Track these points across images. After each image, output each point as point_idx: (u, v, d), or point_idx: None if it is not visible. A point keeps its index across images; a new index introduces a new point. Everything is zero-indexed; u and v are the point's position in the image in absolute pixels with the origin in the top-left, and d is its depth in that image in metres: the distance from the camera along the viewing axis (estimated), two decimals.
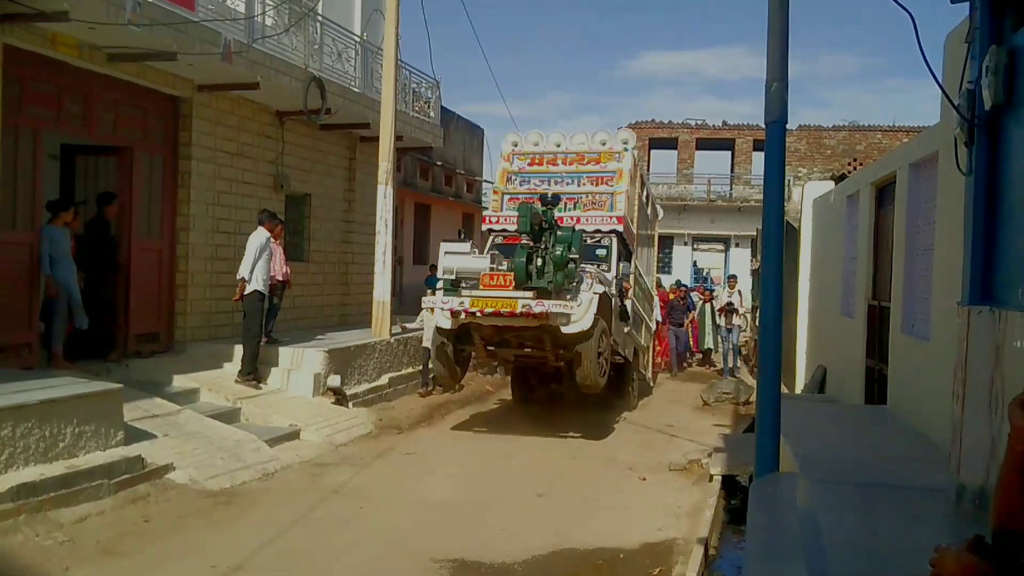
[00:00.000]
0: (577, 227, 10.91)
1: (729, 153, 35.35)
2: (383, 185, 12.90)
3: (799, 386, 14.12)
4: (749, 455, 7.13)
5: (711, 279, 31.87)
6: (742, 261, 30.90)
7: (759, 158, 28.86)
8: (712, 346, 18.98)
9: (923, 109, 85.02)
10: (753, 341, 17.89)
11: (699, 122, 35.51)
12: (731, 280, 19.05)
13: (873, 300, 9.99)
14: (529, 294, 9.52)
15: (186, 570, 5.88)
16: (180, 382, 10.24)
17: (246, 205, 12.44)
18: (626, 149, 12.51)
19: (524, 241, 10.00)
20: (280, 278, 11.72)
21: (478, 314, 9.77)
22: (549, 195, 10.39)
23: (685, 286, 19.83)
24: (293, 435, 9.65)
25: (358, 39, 14.79)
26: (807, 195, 14.71)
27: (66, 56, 9.44)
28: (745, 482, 8.27)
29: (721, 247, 34.37)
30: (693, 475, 9.00)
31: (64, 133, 10.47)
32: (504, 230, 11.89)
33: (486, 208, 17.36)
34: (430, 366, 12.20)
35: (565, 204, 11.58)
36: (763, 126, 5.87)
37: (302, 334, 12.87)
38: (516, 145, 12.86)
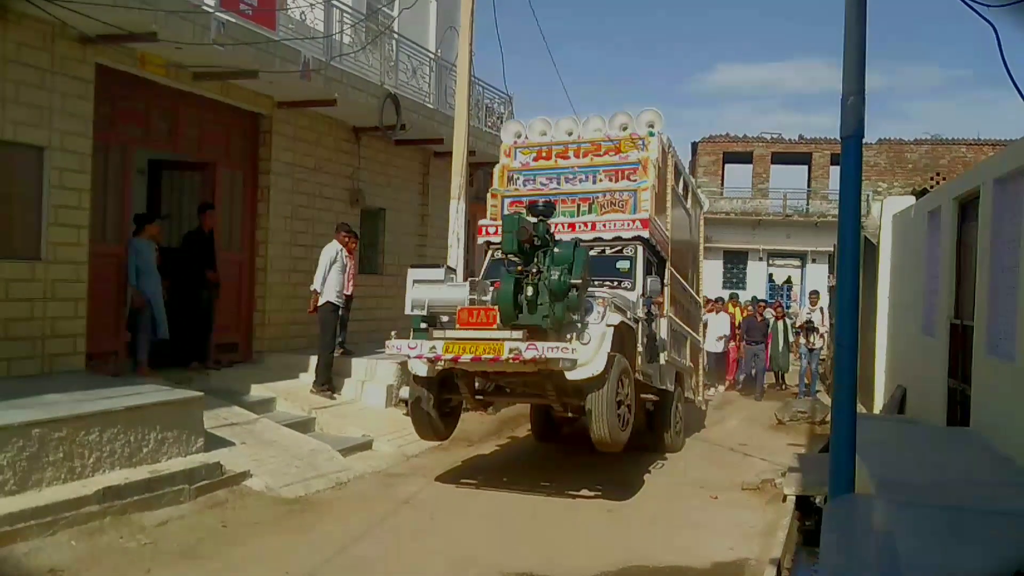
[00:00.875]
0: (591, 236, 9.48)
1: (806, 167, 34.79)
2: (456, 200, 13.02)
3: (878, 406, 13.75)
4: (824, 475, 6.96)
5: (789, 294, 31.25)
6: (819, 277, 30.28)
7: (836, 172, 28.40)
8: (783, 367, 17.91)
9: (1009, 122, 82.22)
10: (830, 359, 17.36)
11: (775, 136, 35.05)
12: (812, 296, 17.74)
13: (955, 319, 9.69)
14: (518, 334, 7.47)
15: (261, 575, 6.01)
16: (257, 391, 10.49)
17: (323, 219, 12.72)
18: (652, 134, 10.13)
19: (510, 264, 7.92)
20: (347, 292, 11.79)
21: (453, 361, 7.79)
22: (541, 203, 8.27)
23: (764, 302, 18.98)
24: (366, 445, 9.79)
25: (432, 56, 15.02)
26: (887, 210, 14.34)
27: (154, 75, 9.83)
28: (820, 503, 8.09)
29: (797, 263, 33.75)
30: (766, 495, 8.84)
31: (151, 149, 10.90)
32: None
33: None
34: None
35: (579, 206, 9.86)
36: (840, 140, 5.78)
37: (376, 346, 13.04)
38: (520, 136, 10.68)
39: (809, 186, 34.27)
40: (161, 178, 11.55)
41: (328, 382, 10.98)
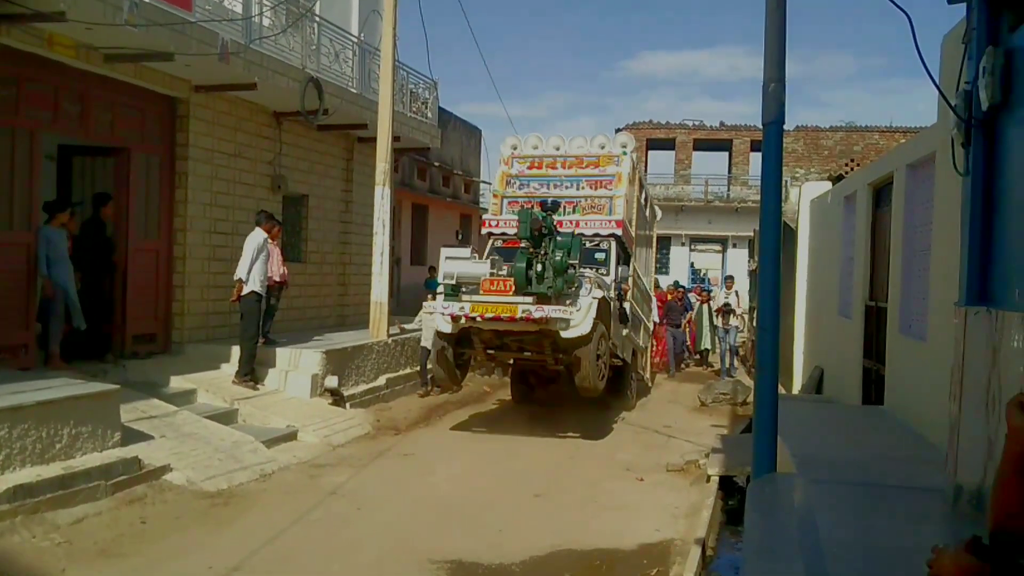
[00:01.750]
0: (576, 231, 11.29)
1: (727, 154, 35.40)
2: (380, 186, 12.89)
3: (797, 387, 14.13)
4: (747, 456, 7.14)
5: (708, 280, 31.90)
6: (739, 262, 30.93)
7: (757, 159, 28.96)
8: (709, 347, 18.94)
9: (921, 110, 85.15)
10: (751, 342, 17.85)
11: (697, 123, 35.57)
12: (728, 281, 19.10)
13: (870, 301, 10.00)
14: (529, 299, 9.68)
15: (184, 571, 5.87)
16: (177, 383, 10.23)
17: (243, 206, 12.43)
18: (624, 153, 12.63)
19: (524, 246, 10.09)
20: (277, 279, 11.69)
21: (478, 319, 9.89)
22: (549, 201, 10.57)
23: (683, 287, 19.77)
24: (290, 436, 9.64)
25: (355, 40, 14.78)
26: (804, 196, 14.72)
27: (63, 57, 9.43)
28: (743, 483, 8.28)
29: (718, 248, 34.41)
30: (691, 476, 9.01)
31: (61, 134, 10.46)
32: (504, 234, 12.01)
33: (484, 209, 17.83)
34: (429, 367, 12.24)
35: (564, 208, 11.72)
36: (760, 127, 5.87)
37: (300, 335, 12.86)
38: (515, 148, 12.95)
39: (730, 172, 34.92)
40: (72, 164, 11.11)
41: (251, 372, 10.77)
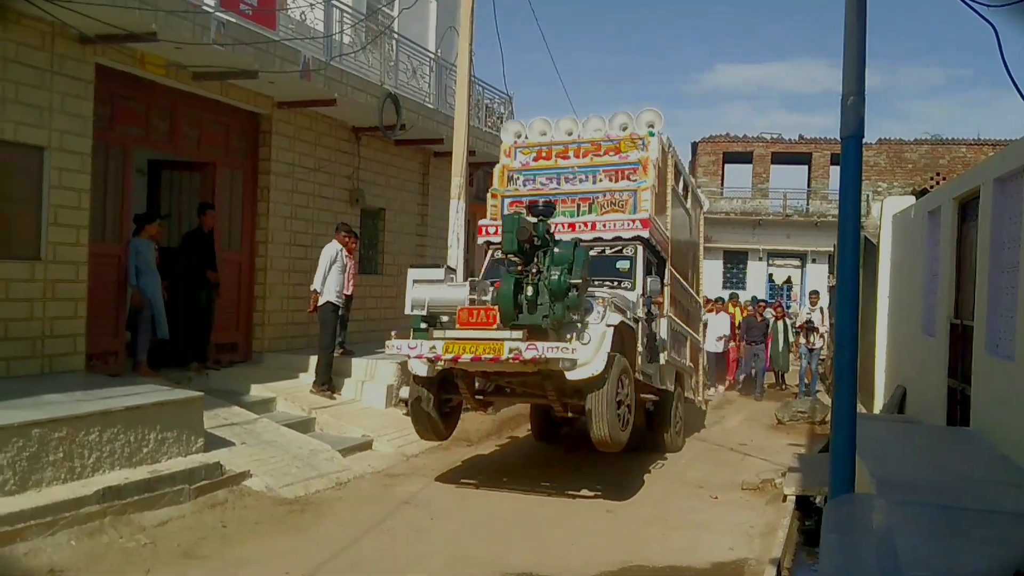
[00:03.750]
0: (592, 235, 9.52)
1: (805, 167, 34.79)
2: (455, 200, 13.02)
3: (878, 406, 13.75)
4: (825, 475, 6.97)
5: (789, 294, 31.23)
6: (819, 277, 30.29)
7: (837, 172, 28.36)
8: (784, 367, 17.76)
9: (1009, 121, 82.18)
10: (830, 359, 17.29)
11: (775, 136, 35.05)
12: (812, 296, 17.57)
13: (955, 318, 9.69)
14: (518, 334, 7.50)
15: (261, 575, 6.01)
16: (257, 391, 10.49)
17: (322, 219, 12.72)
18: (652, 133, 10.12)
19: (511, 264, 7.94)
20: (348, 292, 11.76)
21: (453, 361, 7.81)
22: (541, 203, 8.30)
23: (764, 302, 18.84)
24: (366, 445, 9.79)
25: (432, 56, 15.02)
26: (886, 210, 14.34)
27: (153, 75, 9.83)
28: (820, 503, 8.10)
29: (797, 263, 33.74)
30: (766, 495, 8.84)
31: (151, 149, 10.89)
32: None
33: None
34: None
35: (579, 206, 9.85)
36: (840, 140, 5.77)
37: (376, 346, 13.05)
38: (520, 136, 10.64)
39: (809, 186, 34.28)
40: (160, 178, 11.55)
41: (328, 382, 10.98)
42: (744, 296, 20.54)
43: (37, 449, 6.41)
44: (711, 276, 32.04)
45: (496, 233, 9.49)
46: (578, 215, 9.77)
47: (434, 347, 7.68)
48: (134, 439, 7.20)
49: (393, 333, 8.10)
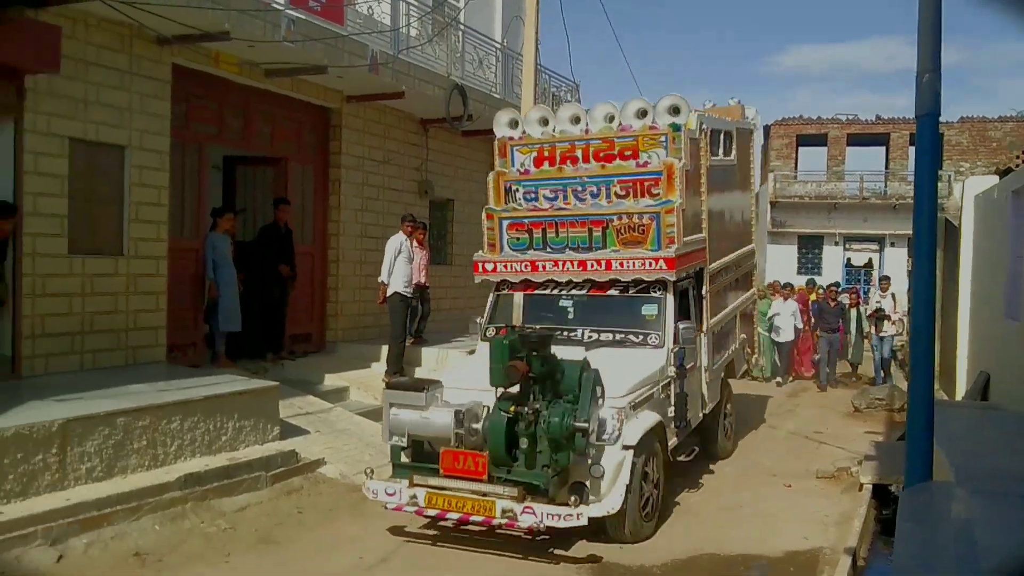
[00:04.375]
0: (608, 275, 7.88)
1: (883, 149, 33.84)
2: None
3: (960, 393, 13.35)
4: (903, 463, 6.82)
5: (868, 278, 30.35)
6: (898, 261, 29.45)
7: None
8: (857, 358, 16.75)
9: None
10: (906, 346, 16.64)
11: (850, 117, 34.14)
12: (883, 282, 16.76)
13: None
14: (513, 490, 6.14)
15: (336, 560, 6.15)
16: (331, 381, 10.70)
17: (392, 211, 12.87)
18: (676, 127, 8.06)
19: (501, 397, 6.42)
20: (418, 281, 11.65)
21: (438, 518, 6.54)
22: (533, 337, 6.41)
23: (835, 285, 17.68)
24: None
25: (498, 46, 15.04)
26: (968, 191, 13.85)
27: (227, 73, 10.07)
28: (898, 492, 7.91)
29: (875, 247, 32.85)
30: (842, 483, 8.68)
31: (225, 145, 11.17)
32: (505, 281, 8.39)
33: None
34: None
35: (591, 230, 8.05)
36: (915, 119, 5.62)
37: (446, 336, 13.18)
38: (515, 127, 8.69)
39: (887, 167, 33.34)
40: (235, 174, 11.84)
41: (400, 371, 11.13)
42: (821, 282, 19.78)
43: (122, 437, 6.67)
44: (785, 261, 31.47)
45: (495, 270, 8.35)
46: (590, 243, 8.06)
47: (415, 497, 6.31)
48: (213, 427, 7.43)
49: (368, 472, 6.68)
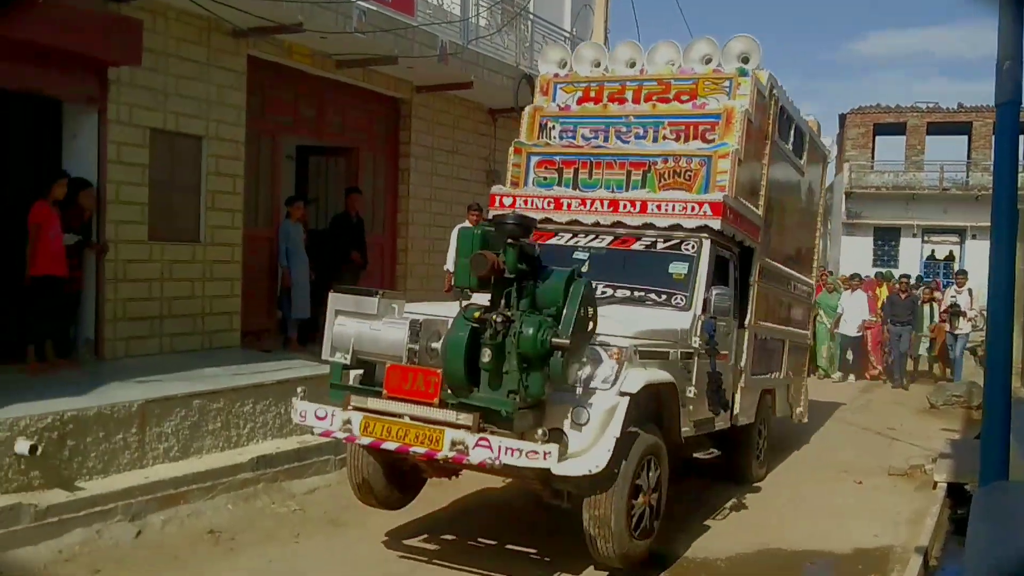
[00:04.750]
0: (642, 218, 6.81)
1: (965, 138, 32.75)
2: None
3: None
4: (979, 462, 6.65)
5: (948, 272, 29.39)
6: (979, 254, 28.50)
7: None
8: (924, 353, 16.10)
9: None
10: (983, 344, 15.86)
11: (931, 105, 33.12)
12: (959, 277, 15.95)
13: None
14: (468, 418, 4.95)
15: (404, 543, 6.25)
16: None
17: (460, 200, 12.96)
18: (744, 73, 7.20)
19: (467, 306, 5.18)
20: None
21: (372, 447, 5.43)
22: (509, 219, 5.19)
23: (905, 277, 16.87)
24: None
25: (568, 35, 14.99)
26: None
27: (300, 64, 10.27)
28: (973, 491, 7.70)
29: (955, 239, 31.85)
30: (915, 481, 8.48)
31: (298, 136, 11.40)
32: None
33: None
34: None
35: (629, 173, 7.07)
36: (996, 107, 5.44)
37: None
38: (564, 67, 7.88)
39: (969, 157, 32.26)
40: (308, 163, 12.08)
41: None
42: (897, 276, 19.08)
43: (198, 419, 6.89)
44: (859, 254, 30.75)
45: (513, 205, 7.22)
46: (627, 187, 7.03)
47: (348, 422, 5.20)
48: (284, 411, 7.61)
49: (299, 390, 5.70)
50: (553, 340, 4.83)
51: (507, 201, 7.28)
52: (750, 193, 7.46)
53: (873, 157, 33.84)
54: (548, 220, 7.10)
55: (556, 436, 5.03)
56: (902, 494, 8.08)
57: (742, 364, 7.52)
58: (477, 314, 4.96)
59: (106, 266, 8.23)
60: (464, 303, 5.17)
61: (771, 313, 8.46)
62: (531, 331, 4.83)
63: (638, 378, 5.35)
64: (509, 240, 5.02)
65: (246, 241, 9.72)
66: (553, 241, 6.99)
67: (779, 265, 8.64)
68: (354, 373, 5.70)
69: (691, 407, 6.24)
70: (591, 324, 5.09)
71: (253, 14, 8.64)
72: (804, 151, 9.21)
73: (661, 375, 5.69)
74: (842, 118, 34.48)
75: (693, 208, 6.67)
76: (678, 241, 6.74)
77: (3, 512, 5.45)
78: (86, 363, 8.00)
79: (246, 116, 9.61)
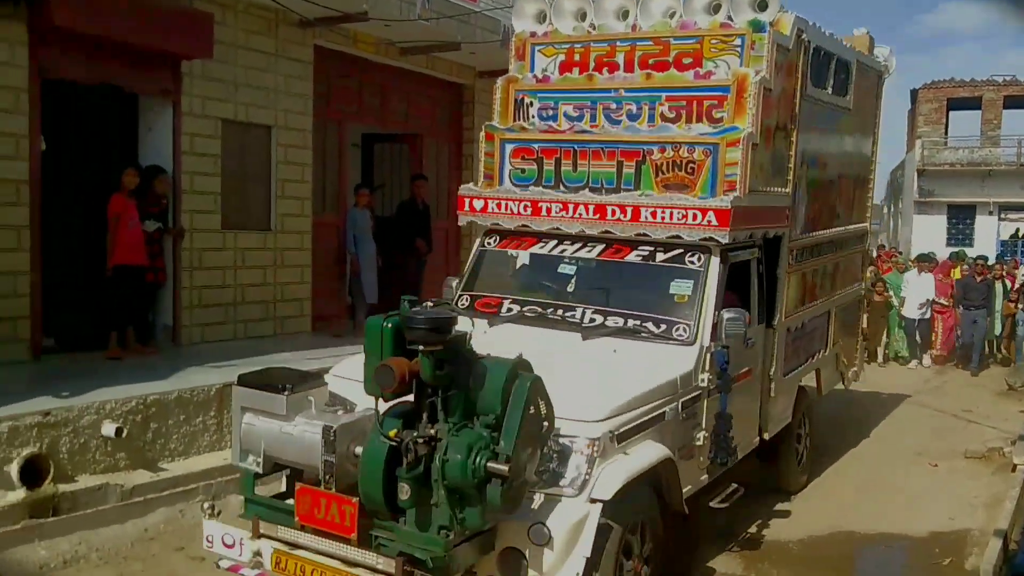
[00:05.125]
0: (634, 227, 5.53)
1: None
2: None
3: None
4: None
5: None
6: None
7: None
8: (996, 334, 15.01)
9: None
10: None
11: (1008, 78, 32.00)
12: None
13: None
14: (388, 563, 3.82)
15: None
16: None
17: None
18: (759, 27, 5.69)
19: (388, 410, 3.96)
20: None
21: None
22: (419, 323, 3.75)
23: (981, 259, 16.05)
24: None
25: None
26: None
27: (365, 52, 10.39)
28: None
29: None
30: (993, 464, 8.30)
31: (363, 123, 11.54)
32: (497, 226, 6.12)
33: None
34: None
35: (620, 164, 5.73)
36: None
37: None
38: (544, 21, 6.38)
39: None
40: (373, 151, 12.23)
41: None
42: (972, 255, 18.22)
43: None
44: (933, 233, 29.93)
45: (485, 209, 6.05)
46: (618, 183, 5.72)
47: (259, 555, 4.09)
48: None
49: (206, 506, 4.39)
50: (489, 466, 3.64)
51: (477, 204, 6.09)
52: (773, 176, 6.12)
53: (947, 133, 32.87)
54: (527, 226, 5.94)
55: (512, 558, 4.03)
56: (979, 477, 7.91)
57: (772, 371, 6.34)
58: (393, 432, 3.74)
59: (182, 255, 8.47)
60: (383, 410, 3.89)
61: (810, 292, 7.24)
62: (459, 457, 3.65)
63: (615, 476, 4.18)
64: (422, 349, 3.73)
65: (315, 228, 9.91)
66: (536, 249, 5.96)
67: (818, 233, 7.30)
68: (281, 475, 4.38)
69: (701, 457, 5.26)
70: (545, 426, 3.94)
71: (319, 4, 8.76)
72: (850, 84, 7.66)
73: (648, 457, 4.49)
74: (914, 93, 33.54)
75: (695, 216, 5.40)
76: (682, 251, 5.55)
77: (92, 492, 5.71)
78: (165, 349, 8.26)
79: (313, 105, 9.77)
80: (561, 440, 4.19)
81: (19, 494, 5.39)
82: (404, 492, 3.71)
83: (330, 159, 10.50)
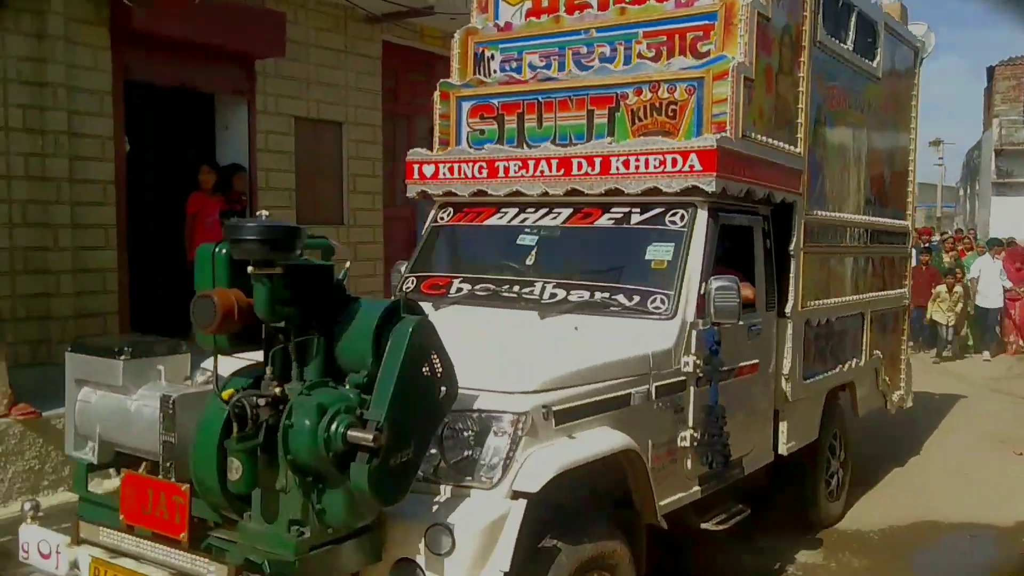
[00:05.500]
0: (606, 182, 4.53)
1: None
2: None
3: None
4: None
5: None
6: None
7: None
8: None
9: None
10: None
11: None
12: None
13: None
14: (220, 570, 2.77)
15: None
16: None
17: None
18: None
19: (232, 375, 3.08)
20: None
21: None
22: (246, 232, 2.75)
23: None
24: None
25: None
26: None
27: (431, 47, 10.49)
28: None
29: None
30: None
31: (430, 118, 11.62)
32: (451, 195, 5.13)
33: None
34: None
35: (591, 114, 4.79)
36: None
37: None
38: None
39: None
40: None
41: None
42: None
43: None
44: (1014, 216, 28.89)
45: (436, 176, 5.17)
46: (588, 135, 4.78)
47: (76, 565, 3.19)
48: None
49: (27, 508, 3.37)
50: (350, 435, 2.66)
51: (427, 171, 5.19)
52: (777, 125, 5.04)
53: None
54: (484, 192, 4.98)
55: (405, 570, 3.04)
56: None
57: (786, 370, 5.13)
58: (227, 394, 2.86)
59: None
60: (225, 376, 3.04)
61: (836, 283, 6.01)
62: (308, 423, 2.68)
63: (547, 462, 3.17)
64: (253, 270, 2.80)
65: (386, 222, 10.05)
66: (493, 220, 4.95)
67: (843, 215, 6.06)
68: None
69: (688, 462, 4.18)
70: (442, 391, 2.96)
71: (388, 0, 8.89)
72: (878, 48, 6.49)
73: (600, 444, 3.45)
74: (990, 71, 32.43)
75: (675, 161, 4.34)
76: (662, 210, 4.49)
77: None
78: None
79: (382, 100, 9.91)
80: (479, 417, 3.20)
81: None
82: (235, 470, 2.80)
83: (399, 153, 10.61)
